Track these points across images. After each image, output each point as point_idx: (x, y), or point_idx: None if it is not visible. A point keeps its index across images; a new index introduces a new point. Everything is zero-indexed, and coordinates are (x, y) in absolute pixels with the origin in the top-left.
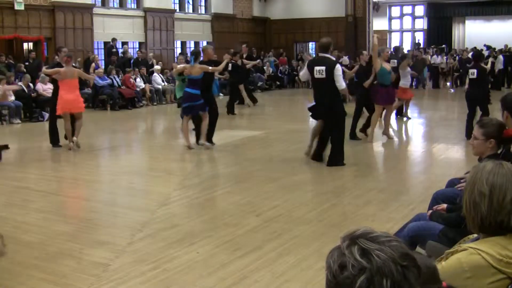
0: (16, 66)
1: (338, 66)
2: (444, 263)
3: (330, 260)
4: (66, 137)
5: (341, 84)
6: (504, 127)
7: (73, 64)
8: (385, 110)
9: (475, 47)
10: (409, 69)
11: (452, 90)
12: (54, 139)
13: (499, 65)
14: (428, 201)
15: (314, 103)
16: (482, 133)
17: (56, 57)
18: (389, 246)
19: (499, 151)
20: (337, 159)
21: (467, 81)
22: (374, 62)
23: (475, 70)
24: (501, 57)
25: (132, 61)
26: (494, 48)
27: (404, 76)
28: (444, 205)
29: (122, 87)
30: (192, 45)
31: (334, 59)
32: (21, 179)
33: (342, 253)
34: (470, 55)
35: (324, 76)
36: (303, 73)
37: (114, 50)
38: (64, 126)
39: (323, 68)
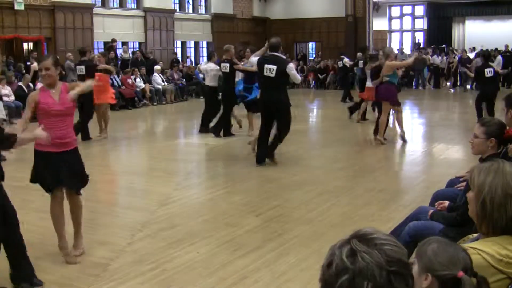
0: (16, 66)
1: (289, 65)
2: None
3: (326, 256)
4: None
5: (297, 78)
6: (505, 127)
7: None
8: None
9: (473, 47)
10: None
11: (452, 90)
12: (87, 134)
13: (498, 66)
14: (428, 201)
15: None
16: (483, 132)
17: (85, 57)
18: (379, 250)
19: (498, 151)
20: (266, 156)
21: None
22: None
23: (492, 69)
24: (499, 57)
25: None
26: (496, 49)
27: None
28: (446, 202)
29: (122, 87)
30: (192, 45)
31: (284, 57)
32: (21, 179)
33: (333, 252)
34: (472, 55)
35: (273, 75)
36: (253, 63)
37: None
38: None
39: (274, 67)
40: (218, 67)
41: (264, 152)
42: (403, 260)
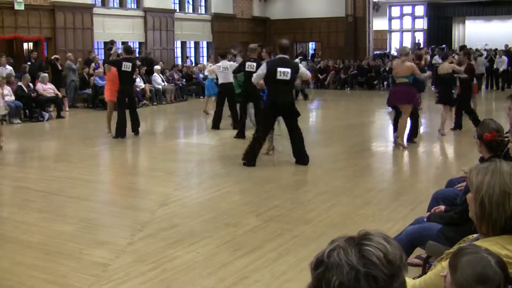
0: (21, 66)
1: (301, 65)
2: (444, 263)
3: None
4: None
5: (307, 73)
6: (492, 130)
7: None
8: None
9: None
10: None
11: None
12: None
13: (503, 66)
14: (428, 201)
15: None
16: (476, 132)
17: (131, 55)
18: (356, 249)
19: (498, 153)
20: (306, 155)
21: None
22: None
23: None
24: (504, 57)
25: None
26: (496, 49)
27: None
28: (442, 207)
29: None
30: (192, 45)
31: (290, 59)
32: (21, 179)
33: (325, 248)
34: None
35: (288, 78)
36: (259, 75)
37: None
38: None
39: (288, 70)
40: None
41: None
42: (379, 262)
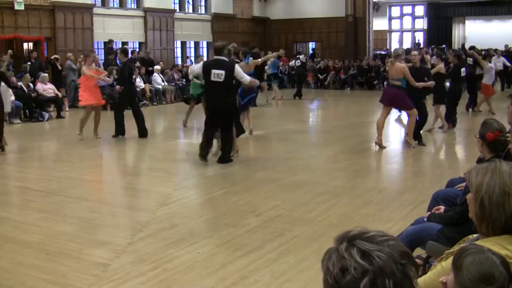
0: (22, 66)
1: (236, 66)
2: (444, 263)
3: (329, 263)
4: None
5: (246, 79)
6: (498, 131)
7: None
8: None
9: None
10: (490, 65)
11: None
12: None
13: (501, 66)
14: (428, 201)
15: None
16: (479, 132)
17: (126, 57)
18: (387, 246)
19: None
20: (228, 157)
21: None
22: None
23: (465, 69)
24: (502, 58)
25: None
26: (496, 49)
27: (487, 73)
28: (442, 208)
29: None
30: (192, 45)
31: (227, 60)
32: (21, 179)
33: (341, 256)
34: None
35: (222, 80)
36: (197, 70)
37: (112, 51)
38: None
39: (222, 72)
40: None
41: (208, 150)
42: (408, 251)
